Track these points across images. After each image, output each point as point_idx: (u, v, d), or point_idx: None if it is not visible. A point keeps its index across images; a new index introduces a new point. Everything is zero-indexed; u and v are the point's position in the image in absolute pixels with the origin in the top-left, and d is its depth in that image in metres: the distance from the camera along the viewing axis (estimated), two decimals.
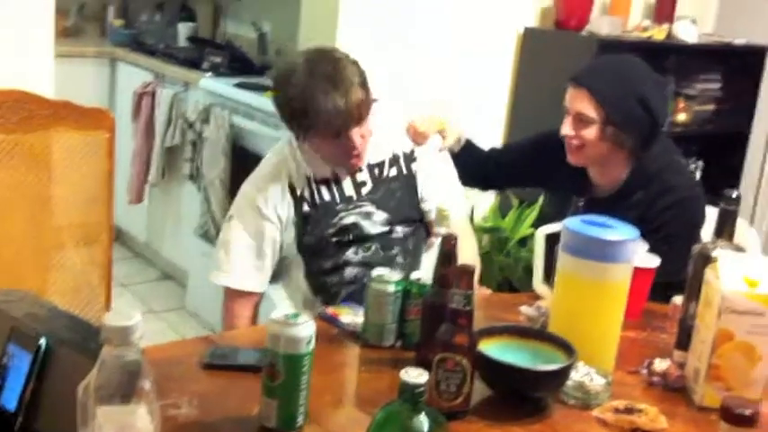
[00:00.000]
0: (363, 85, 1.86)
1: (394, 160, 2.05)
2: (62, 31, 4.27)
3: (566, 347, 1.41)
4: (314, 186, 1.98)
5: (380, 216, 2.00)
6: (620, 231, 1.50)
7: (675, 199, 2.02)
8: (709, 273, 1.45)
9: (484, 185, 2.55)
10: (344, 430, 1.33)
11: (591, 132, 2.01)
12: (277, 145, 2.09)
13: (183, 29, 4.64)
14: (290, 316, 1.19)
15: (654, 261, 1.77)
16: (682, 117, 3.28)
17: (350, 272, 1.98)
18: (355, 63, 1.89)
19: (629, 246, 1.50)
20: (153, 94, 3.98)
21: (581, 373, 1.39)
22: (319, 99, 1.81)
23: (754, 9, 3.59)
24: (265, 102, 3.37)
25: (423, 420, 1.02)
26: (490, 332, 1.43)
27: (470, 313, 1.28)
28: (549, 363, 1.39)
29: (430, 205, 2.06)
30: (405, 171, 2.05)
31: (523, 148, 2.35)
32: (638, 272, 1.62)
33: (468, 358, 1.28)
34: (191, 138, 3.64)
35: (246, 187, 2.00)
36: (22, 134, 1.96)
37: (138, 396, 0.90)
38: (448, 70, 2.96)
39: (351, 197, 1.99)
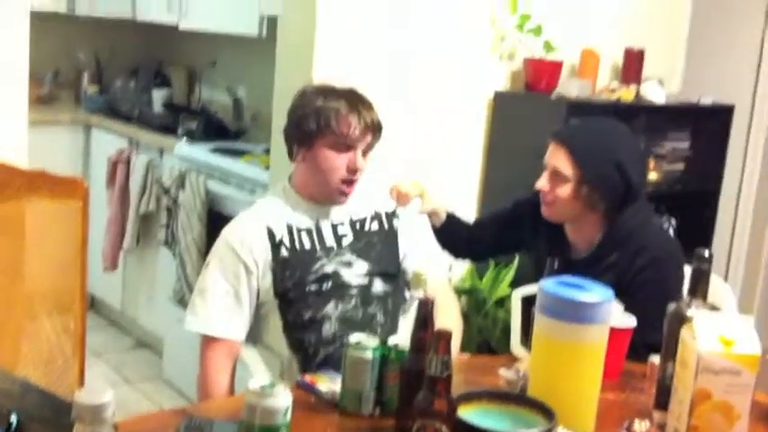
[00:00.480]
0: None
1: (376, 216, 2.08)
2: (36, 99, 4.29)
3: (545, 411, 1.40)
4: (294, 234, 1.98)
5: (361, 266, 2.00)
6: (594, 293, 1.51)
7: (650, 258, 2.03)
8: (684, 332, 1.46)
9: (472, 257, 2.60)
10: None
11: (565, 190, 2.04)
12: (265, 195, 2.11)
13: (158, 95, 4.67)
14: (267, 386, 1.18)
15: (630, 321, 1.77)
16: (653, 176, 3.32)
17: (328, 329, 1.95)
18: None
19: (605, 307, 1.50)
20: (128, 161, 3.98)
21: None
22: (341, 103, 1.92)
23: (718, 69, 3.68)
24: (241, 166, 3.40)
25: None
26: (469, 397, 1.42)
27: (448, 379, 1.27)
28: (529, 427, 1.37)
29: (409, 263, 2.07)
30: (386, 227, 2.08)
31: (503, 217, 2.38)
32: (615, 332, 1.62)
33: (447, 425, 1.27)
34: (166, 203, 3.63)
35: (224, 231, 2.00)
36: None
37: None
38: (422, 132, 3.00)
39: (331, 247, 2.00)
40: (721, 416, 1.40)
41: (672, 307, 1.57)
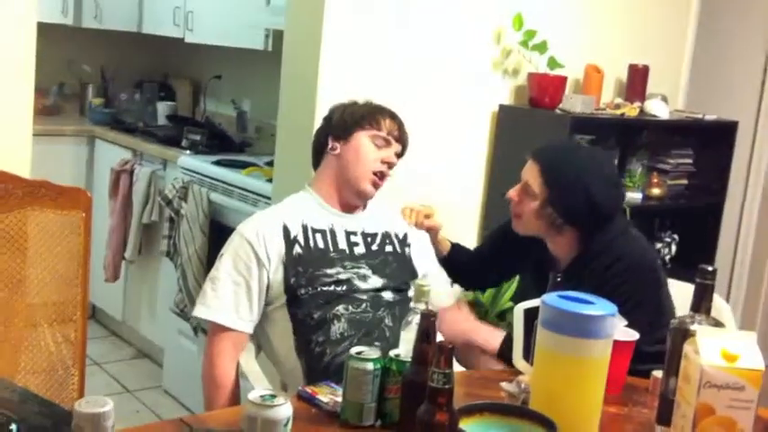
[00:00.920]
0: None
1: (386, 236, 2.13)
2: (41, 110, 4.30)
3: (547, 424, 1.39)
4: (309, 233, 2.03)
5: (376, 280, 2.05)
6: (598, 307, 1.50)
7: (625, 266, 2.02)
8: (687, 347, 1.45)
9: (482, 286, 2.64)
10: None
11: (531, 206, 2.07)
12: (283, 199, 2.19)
13: (163, 107, 4.69)
14: (267, 397, 1.18)
15: (633, 335, 1.77)
16: (656, 191, 3.32)
17: (337, 328, 1.96)
18: None
19: (608, 321, 1.50)
20: (131, 172, 3.99)
21: None
22: (383, 107, 2.13)
23: (722, 85, 3.69)
24: (244, 179, 3.40)
25: None
26: (471, 410, 1.42)
27: (450, 392, 1.27)
28: None
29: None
30: (399, 251, 2.14)
31: (498, 244, 2.37)
32: (618, 346, 1.62)
33: None
34: (168, 215, 3.64)
35: (240, 226, 2.05)
36: None
37: None
38: (426, 145, 3.00)
39: (343, 250, 2.04)
40: (724, 431, 1.39)
41: (675, 322, 1.57)
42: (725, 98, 3.64)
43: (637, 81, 3.37)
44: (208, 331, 2.01)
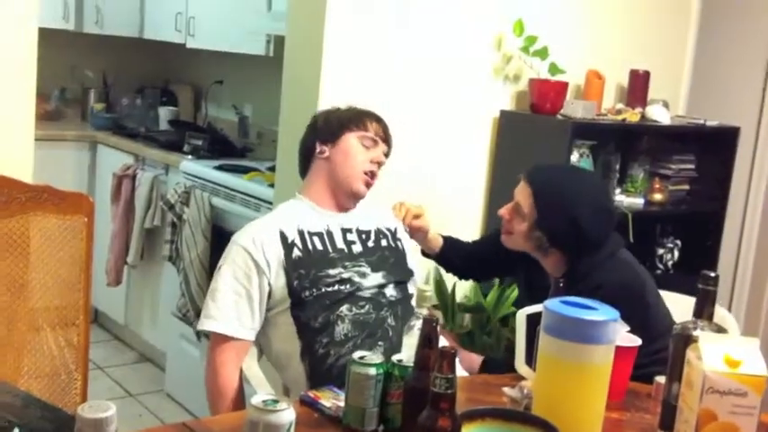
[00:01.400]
0: None
1: (379, 232, 2.15)
2: (43, 115, 4.31)
3: (550, 429, 1.39)
4: (306, 237, 2.03)
5: (376, 277, 2.06)
6: (600, 312, 1.50)
7: (609, 294, 1.94)
8: (690, 353, 1.45)
9: (477, 276, 2.63)
10: None
11: (520, 227, 2.09)
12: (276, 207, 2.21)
13: (165, 112, 4.69)
14: (270, 402, 1.18)
15: (635, 340, 1.76)
16: (658, 197, 3.32)
17: (341, 330, 1.96)
18: None
19: (611, 326, 1.50)
20: (133, 177, 4.00)
21: None
22: (367, 111, 2.15)
23: (724, 91, 3.69)
24: (246, 183, 3.40)
25: None
26: (473, 415, 1.42)
27: (453, 397, 1.27)
28: None
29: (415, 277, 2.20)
30: (394, 245, 2.17)
31: (497, 239, 2.37)
32: (620, 352, 1.62)
33: None
34: (170, 219, 3.64)
35: (235, 236, 2.05)
36: (0, 218, 1.95)
37: None
38: (427, 151, 3.00)
39: (342, 249, 2.05)
40: None
41: (678, 327, 1.57)
42: (726, 104, 3.64)
43: (638, 86, 3.37)
44: (210, 341, 2.01)
